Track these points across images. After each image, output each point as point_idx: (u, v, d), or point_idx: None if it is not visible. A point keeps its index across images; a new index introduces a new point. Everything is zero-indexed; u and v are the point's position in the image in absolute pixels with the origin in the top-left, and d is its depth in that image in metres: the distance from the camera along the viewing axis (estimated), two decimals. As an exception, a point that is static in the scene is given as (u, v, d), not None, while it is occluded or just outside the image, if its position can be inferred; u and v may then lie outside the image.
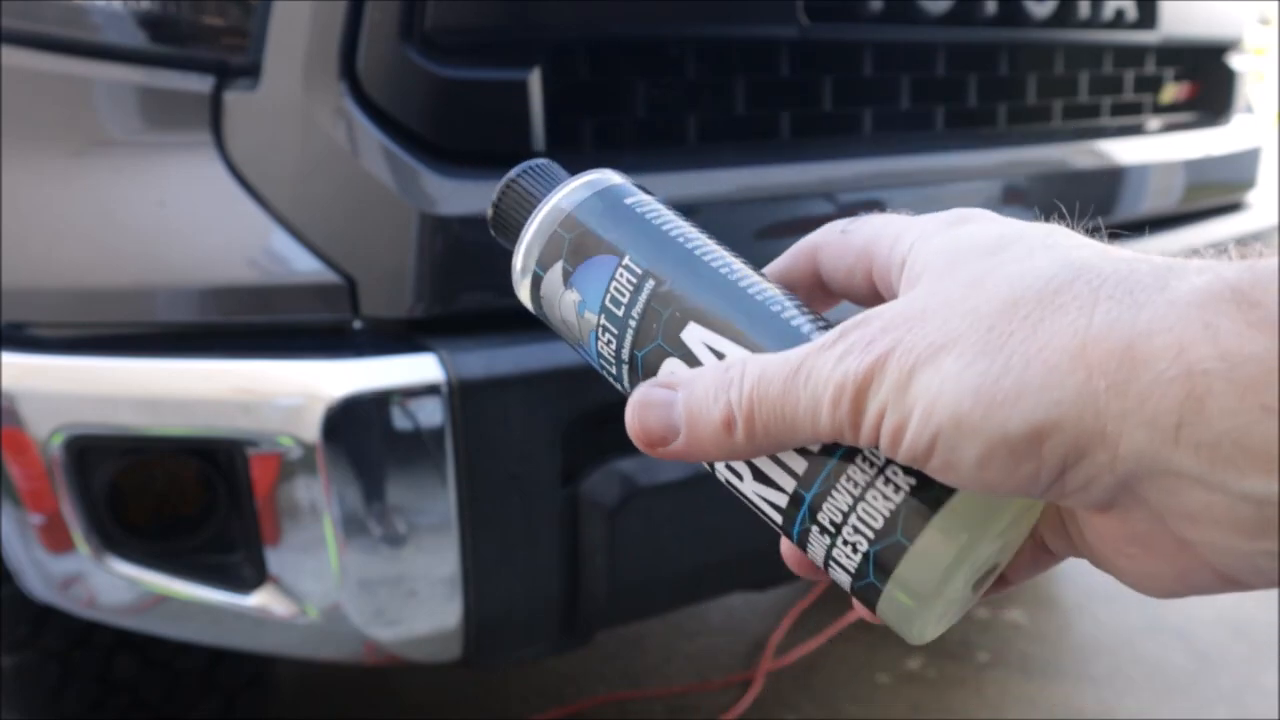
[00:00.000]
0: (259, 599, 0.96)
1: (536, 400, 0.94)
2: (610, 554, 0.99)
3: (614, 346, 0.40)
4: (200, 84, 0.96)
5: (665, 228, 0.40)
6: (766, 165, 1.12)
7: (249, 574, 0.97)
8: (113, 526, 0.99)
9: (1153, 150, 1.48)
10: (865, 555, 0.34)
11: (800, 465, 0.35)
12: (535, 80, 0.96)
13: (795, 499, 0.36)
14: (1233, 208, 1.64)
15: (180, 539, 0.99)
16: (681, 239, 0.40)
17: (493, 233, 0.45)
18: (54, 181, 1.01)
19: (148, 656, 1.28)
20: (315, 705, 1.70)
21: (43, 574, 1.04)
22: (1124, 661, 1.85)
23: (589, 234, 0.41)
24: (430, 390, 0.90)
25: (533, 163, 0.44)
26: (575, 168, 0.44)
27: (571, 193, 0.42)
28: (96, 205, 1.00)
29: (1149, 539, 0.31)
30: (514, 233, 0.43)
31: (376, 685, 1.75)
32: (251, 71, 0.95)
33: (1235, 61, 1.62)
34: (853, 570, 0.35)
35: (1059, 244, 0.32)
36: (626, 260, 0.39)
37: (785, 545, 0.39)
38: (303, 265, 0.95)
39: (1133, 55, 1.47)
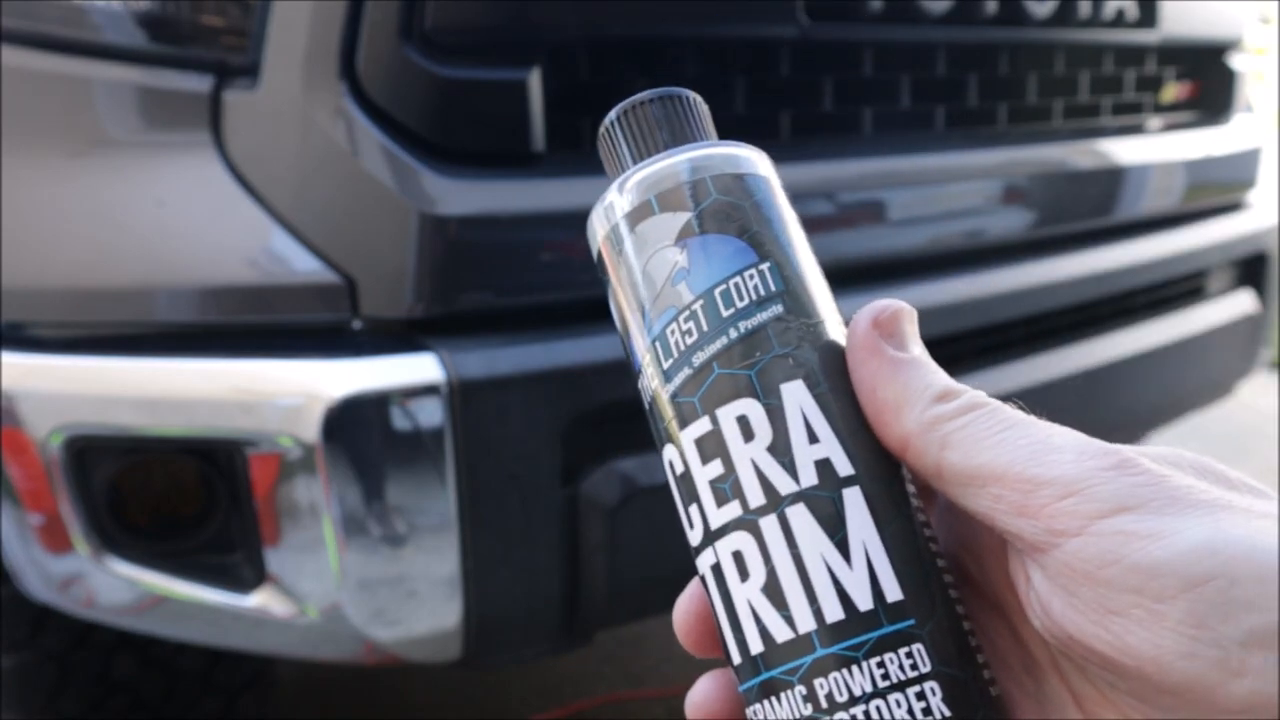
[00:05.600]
0: (258, 599, 0.96)
1: (536, 400, 0.94)
2: (610, 554, 0.99)
3: (689, 341, 0.34)
4: (200, 84, 0.96)
5: (813, 265, 0.36)
6: (766, 165, 1.11)
7: (248, 574, 0.97)
8: (112, 526, 0.99)
9: (1153, 150, 1.47)
10: None
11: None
12: (535, 80, 0.96)
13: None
14: (1232, 207, 1.64)
15: (180, 539, 0.99)
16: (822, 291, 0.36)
17: (606, 136, 0.39)
18: (54, 181, 1.01)
19: (148, 656, 1.28)
20: (315, 705, 1.70)
21: (42, 574, 1.04)
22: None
23: (743, 211, 0.35)
24: (430, 390, 0.90)
25: (690, 95, 0.39)
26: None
27: (746, 158, 0.37)
28: (96, 205, 1.00)
29: None
30: (644, 146, 0.38)
31: (376, 685, 1.75)
32: (251, 71, 0.94)
33: (1235, 61, 1.62)
34: None
35: None
36: (766, 266, 0.34)
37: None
38: (302, 265, 0.94)
39: (1133, 55, 1.47)
